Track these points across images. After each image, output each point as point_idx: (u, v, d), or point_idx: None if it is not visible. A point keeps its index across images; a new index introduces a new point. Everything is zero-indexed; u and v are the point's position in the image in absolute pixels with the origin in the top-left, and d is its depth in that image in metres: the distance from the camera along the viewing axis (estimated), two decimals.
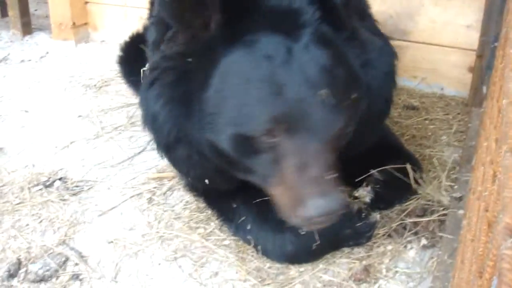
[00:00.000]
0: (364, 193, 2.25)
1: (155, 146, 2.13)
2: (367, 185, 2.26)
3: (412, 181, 2.35)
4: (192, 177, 2.19)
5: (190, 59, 1.88)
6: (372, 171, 2.31)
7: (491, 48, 3.06)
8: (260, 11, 1.87)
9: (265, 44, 1.83)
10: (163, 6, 1.84)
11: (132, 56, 3.19)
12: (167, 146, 2.04)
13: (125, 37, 3.42)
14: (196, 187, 2.39)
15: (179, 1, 1.78)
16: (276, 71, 1.79)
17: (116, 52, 3.47)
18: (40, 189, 2.58)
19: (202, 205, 2.41)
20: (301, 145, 1.79)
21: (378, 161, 2.33)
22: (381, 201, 2.28)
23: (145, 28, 2.98)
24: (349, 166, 2.04)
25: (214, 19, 1.82)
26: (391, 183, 2.29)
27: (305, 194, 1.76)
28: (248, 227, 2.17)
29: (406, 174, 2.36)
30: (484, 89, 3.05)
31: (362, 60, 1.99)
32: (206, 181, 2.12)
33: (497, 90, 1.70)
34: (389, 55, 2.19)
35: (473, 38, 3.27)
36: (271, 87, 1.78)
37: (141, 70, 2.06)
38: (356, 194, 2.26)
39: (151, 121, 2.01)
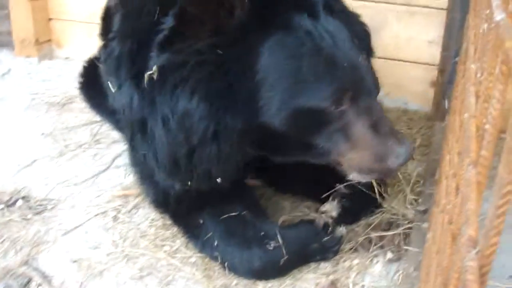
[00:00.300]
0: (331, 208, 2.27)
1: (176, 149, 1.97)
2: (333, 199, 2.28)
3: (377, 195, 2.37)
4: (211, 176, 2.05)
5: (220, 51, 1.83)
6: (338, 186, 2.33)
7: (452, 63, 3.12)
8: None
9: (298, 22, 1.89)
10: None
11: (92, 80, 3.10)
12: (200, 144, 1.92)
13: (89, 54, 3.38)
14: (163, 203, 2.35)
15: None
16: (320, 44, 1.88)
17: (77, 78, 3.41)
18: (1, 209, 2.52)
19: (168, 222, 2.39)
20: (367, 106, 1.93)
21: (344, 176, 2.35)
22: (347, 215, 2.29)
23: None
24: (317, 179, 2.09)
25: (239, 5, 1.80)
26: (356, 197, 2.32)
27: (387, 147, 1.91)
28: (215, 243, 2.16)
29: (371, 188, 2.38)
30: (446, 103, 3.10)
31: (351, 32, 2.05)
32: (219, 180, 2.04)
33: (459, 104, 1.73)
34: (367, 28, 2.33)
35: (435, 54, 3.33)
36: (326, 60, 1.86)
37: (146, 75, 1.93)
38: (323, 209, 2.28)
39: (179, 121, 1.89)
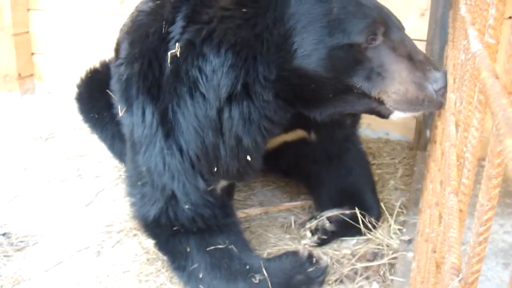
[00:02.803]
0: (312, 238, 2.35)
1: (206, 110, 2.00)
2: (312, 233, 2.36)
3: (361, 225, 2.40)
4: (241, 148, 2.06)
5: (245, 9, 1.91)
6: (323, 217, 2.38)
7: None
8: None
9: None
10: None
11: (90, 93, 3.15)
12: (229, 99, 1.96)
13: (72, 87, 3.38)
14: (153, 227, 2.31)
15: None
16: None
17: (74, 89, 3.38)
18: None
19: (152, 257, 2.36)
20: (399, 39, 1.98)
21: (337, 201, 2.52)
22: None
23: (103, 65, 3.10)
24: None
25: None
26: (342, 223, 2.39)
27: (425, 74, 1.93)
28: (200, 275, 2.13)
29: (357, 218, 2.42)
30: (428, 133, 3.14)
31: None
32: (249, 157, 2.06)
33: (440, 134, 1.75)
34: None
35: None
36: (354, 1, 1.92)
37: (169, 53, 2.01)
38: (303, 242, 2.35)
39: (209, 78, 1.95)
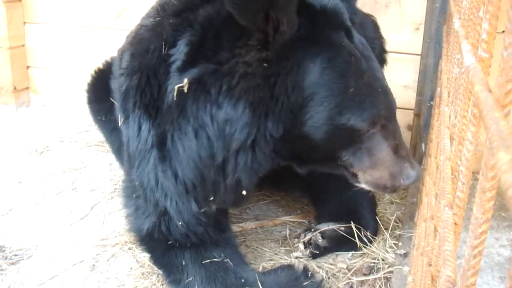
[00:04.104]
0: (304, 252, 2.36)
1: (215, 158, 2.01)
2: (309, 244, 2.36)
3: (357, 239, 2.40)
4: (240, 187, 2.09)
5: (267, 65, 1.89)
6: (317, 230, 2.38)
7: (427, 107, 3.17)
8: (313, 11, 1.97)
9: (339, 41, 1.98)
10: (236, 9, 1.79)
11: (96, 95, 3.16)
12: (238, 151, 1.97)
13: (67, 100, 3.38)
14: (149, 240, 2.31)
15: (253, 3, 1.77)
16: (361, 67, 1.98)
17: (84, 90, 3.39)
18: None
19: (147, 271, 2.35)
20: (393, 130, 2.09)
21: (335, 215, 2.56)
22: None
23: (107, 66, 3.10)
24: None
25: (285, 22, 1.84)
26: (335, 239, 2.40)
27: (402, 169, 2.08)
28: None
29: (352, 232, 2.43)
30: (423, 146, 3.14)
31: (363, 37, 2.18)
32: (244, 192, 2.09)
33: (435, 147, 1.76)
34: (376, 23, 2.60)
35: (410, 98, 3.39)
36: (367, 84, 1.97)
37: (175, 87, 1.98)
38: (295, 255, 2.36)
39: (220, 129, 1.94)
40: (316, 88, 1.92)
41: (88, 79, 3.30)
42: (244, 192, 2.09)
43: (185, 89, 1.95)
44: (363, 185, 2.15)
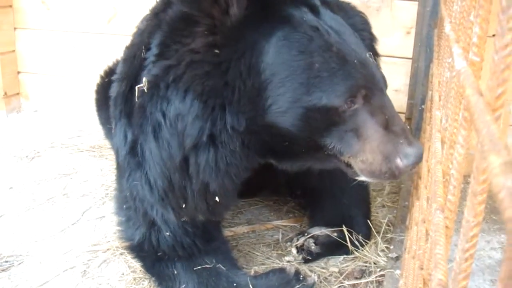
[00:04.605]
0: (297, 256, 2.36)
1: (166, 159, 1.90)
2: (302, 249, 2.35)
3: (349, 243, 2.40)
4: (208, 192, 1.95)
5: (217, 51, 1.77)
6: (310, 234, 2.39)
7: (418, 110, 3.19)
8: None
9: (301, 17, 1.82)
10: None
11: (103, 98, 3.03)
12: (194, 148, 1.84)
13: (58, 106, 3.37)
14: (139, 249, 2.29)
15: None
16: (329, 40, 1.80)
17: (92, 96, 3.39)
18: None
19: (139, 276, 2.34)
20: (380, 104, 1.84)
21: (328, 220, 2.52)
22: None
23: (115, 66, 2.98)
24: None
25: (235, 3, 1.73)
26: (328, 245, 2.40)
27: (399, 146, 1.79)
28: None
29: (345, 236, 2.43)
30: None
31: (349, 25, 2.04)
32: (217, 198, 1.95)
33: (426, 151, 1.76)
34: (366, 19, 2.45)
35: (401, 102, 3.40)
36: (337, 56, 1.77)
37: (136, 88, 1.93)
38: (287, 259, 2.35)
39: (172, 125, 1.84)
40: (274, 68, 1.76)
41: (98, 80, 3.27)
42: (217, 199, 1.96)
43: (145, 89, 1.90)
44: (362, 177, 1.91)
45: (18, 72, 4.62)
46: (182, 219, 2.11)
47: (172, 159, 1.89)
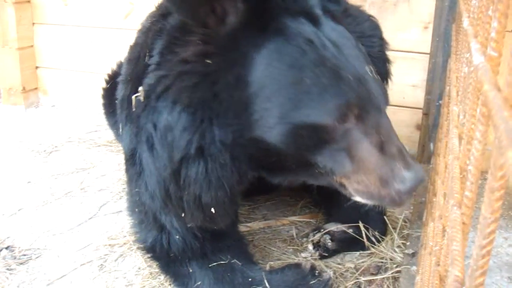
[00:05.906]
0: (313, 253, 2.35)
1: (161, 170, 1.90)
2: (314, 247, 2.43)
3: (365, 239, 2.40)
4: (202, 203, 1.90)
5: (209, 61, 1.72)
6: (326, 230, 2.38)
7: (436, 106, 3.16)
8: None
9: (296, 29, 1.74)
10: (175, 5, 1.67)
11: (109, 101, 3.08)
12: (184, 161, 1.80)
13: (76, 101, 3.39)
14: (152, 250, 2.30)
15: None
16: (323, 54, 1.72)
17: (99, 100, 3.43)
18: None
19: (155, 270, 2.35)
20: (375, 123, 1.74)
21: (344, 216, 2.48)
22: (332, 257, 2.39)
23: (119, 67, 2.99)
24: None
25: (232, 12, 1.69)
26: (344, 241, 2.38)
27: (392, 170, 1.71)
28: None
29: (361, 232, 2.43)
30: (432, 145, 3.13)
31: (357, 32, 2.02)
32: (212, 209, 1.89)
33: (443, 147, 1.75)
34: (376, 23, 2.39)
35: (419, 97, 3.38)
36: (330, 71, 1.69)
37: (133, 97, 1.91)
38: (303, 255, 2.40)
39: (162, 137, 1.82)
40: (262, 82, 1.70)
41: (103, 84, 3.29)
42: (212, 210, 1.91)
43: (141, 98, 1.87)
44: (357, 198, 1.83)
45: (37, 67, 4.66)
46: (188, 225, 2.10)
47: (166, 170, 1.87)
